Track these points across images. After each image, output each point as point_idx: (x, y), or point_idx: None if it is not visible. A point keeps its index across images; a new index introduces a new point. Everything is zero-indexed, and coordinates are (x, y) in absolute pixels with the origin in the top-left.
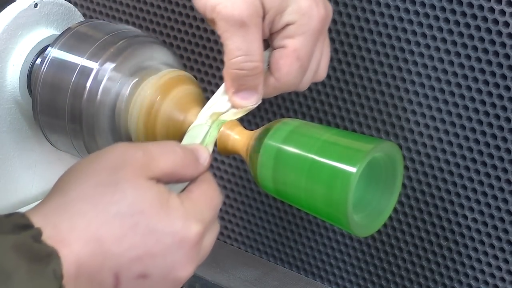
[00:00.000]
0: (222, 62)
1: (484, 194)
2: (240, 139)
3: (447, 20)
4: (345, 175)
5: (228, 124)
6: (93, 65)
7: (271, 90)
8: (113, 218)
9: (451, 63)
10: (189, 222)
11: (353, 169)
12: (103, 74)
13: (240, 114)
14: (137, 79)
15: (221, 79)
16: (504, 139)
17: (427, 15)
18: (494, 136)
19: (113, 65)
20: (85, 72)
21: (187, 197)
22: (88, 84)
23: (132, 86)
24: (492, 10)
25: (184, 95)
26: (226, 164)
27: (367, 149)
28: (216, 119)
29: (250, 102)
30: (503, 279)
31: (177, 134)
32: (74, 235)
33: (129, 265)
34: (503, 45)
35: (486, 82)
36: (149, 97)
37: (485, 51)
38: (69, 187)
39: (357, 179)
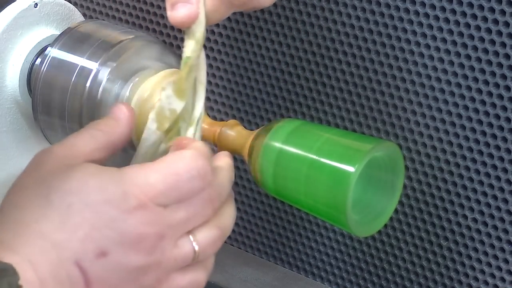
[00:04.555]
0: (222, 61)
1: (484, 194)
2: (240, 139)
3: (447, 20)
4: (344, 175)
5: (228, 124)
6: (93, 65)
7: (220, 3)
8: (46, 209)
9: (451, 63)
10: (122, 185)
11: (352, 169)
12: (103, 74)
13: (190, 49)
14: (137, 79)
15: (223, 79)
16: (504, 139)
17: (427, 15)
18: (494, 136)
19: (113, 65)
20: (85, 72)
21: (134, 167)
22: (88, 84)
23: (132, 87)
24: (492, 10)
25: None
26: None
27: (367, 149)
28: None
29: (181, 12)
30: (503, 279)
31: None
32: (18, 241)
33: (82, 247)
34: (503, 45)
35: (486, 82)
36: (149, 98)
37: (485, 51)
38: (3, 203)
39: (356, 179)
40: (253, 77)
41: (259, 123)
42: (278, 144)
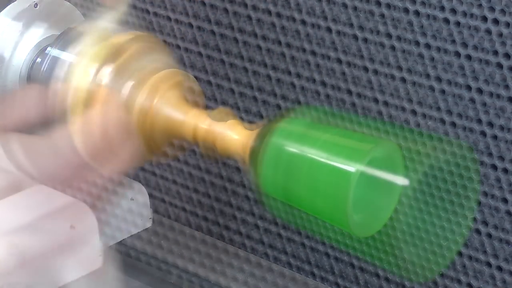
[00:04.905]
0: (222, 61)
1: (484, 194)
2: (240, 139)
3: (447, 20)
4: (345, 175)
5: (228, 124)
6: (93, 65)
7: None
8: None
9: (451, 63)
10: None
11: (353, 169)
12: (102, 75)
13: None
14: (137, 79)
15: (223, 78)
16: (504, 139)
17: (427, 15)
18: (494, 136)
19: (112, 65)
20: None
21: None
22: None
23: (132, 87)
24: (492, 9)
25: (184, 95)
26: (226, 165)
27: (367, 148)
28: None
29: None
30: (503, 280)
31: (177, 135)
32: None
33: None
34: (503, 44)
35: (486, 82)
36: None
37: (485, 50)
38: None
39: (357, 179)
40: (253, 77)
41: (259, 123)
42: (278, 144)
